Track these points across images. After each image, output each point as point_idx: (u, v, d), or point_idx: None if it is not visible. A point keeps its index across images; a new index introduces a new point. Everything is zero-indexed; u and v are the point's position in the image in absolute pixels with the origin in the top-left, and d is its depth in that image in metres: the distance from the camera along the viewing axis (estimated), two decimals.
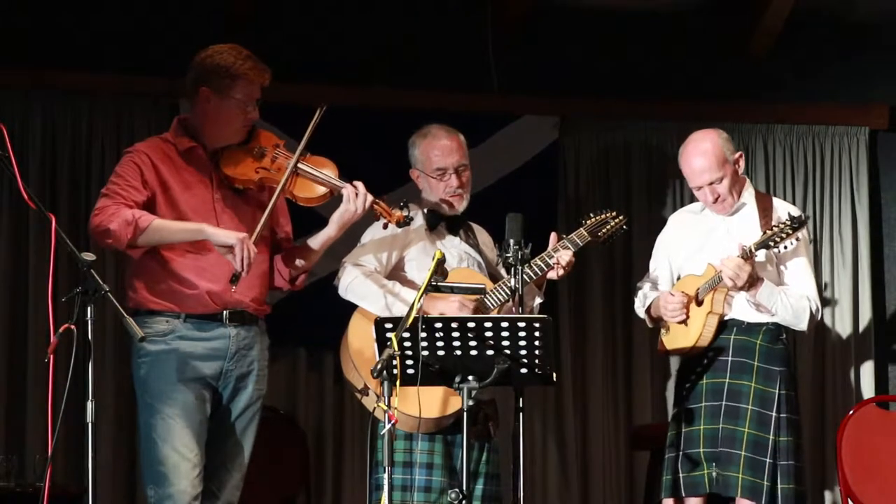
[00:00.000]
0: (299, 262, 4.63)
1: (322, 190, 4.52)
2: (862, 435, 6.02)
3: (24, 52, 6.34)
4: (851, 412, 6.10)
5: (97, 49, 6.38)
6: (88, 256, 3.82)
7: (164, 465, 4.32)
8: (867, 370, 6.80)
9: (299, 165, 4.49)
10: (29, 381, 6.18)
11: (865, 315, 6.84)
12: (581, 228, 4.89)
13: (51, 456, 3.76)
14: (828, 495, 6.68)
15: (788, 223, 4.78)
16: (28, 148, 6.23)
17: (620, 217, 5.00)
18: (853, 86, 6.97)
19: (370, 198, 4.52)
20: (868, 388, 6.75)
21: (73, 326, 3.71)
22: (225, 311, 4.43)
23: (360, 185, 4.53)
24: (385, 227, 4.62)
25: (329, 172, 4.53)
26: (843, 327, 6.82)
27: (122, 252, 4.43)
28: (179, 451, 4.33)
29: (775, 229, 4.79)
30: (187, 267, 4.38)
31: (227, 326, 4.44)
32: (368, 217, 5.02)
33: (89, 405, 3.72)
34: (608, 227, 4.95)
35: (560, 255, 4.75)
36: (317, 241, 4.60)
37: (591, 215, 4.96)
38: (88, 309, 3.74)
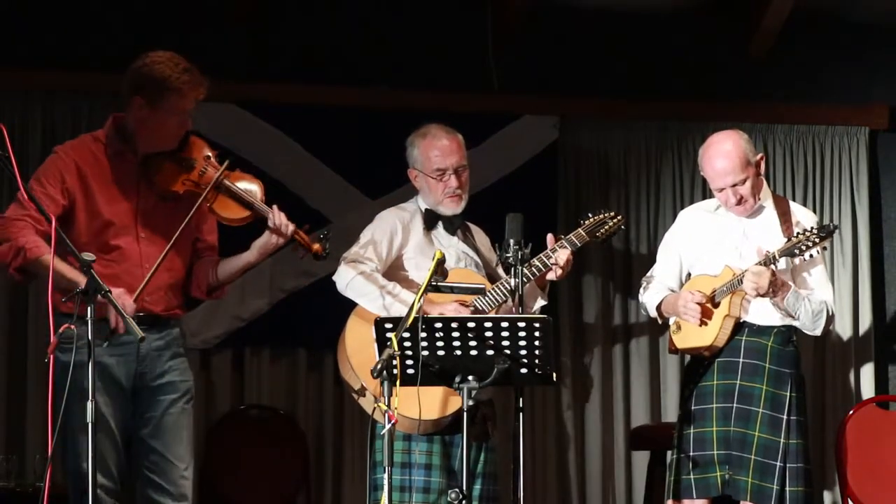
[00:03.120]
0: (218, 276, 4.51)
1: (244, 213, 4.42)
2: (862, 435, 6.03)
3: (24, 52, 6.33)
4: (851, 412, 6.11)
5: (97, 49, 6.37)
6: (88, 256, 3.82)
7: (79, 476, 4.16)
8: (867, 370, 6.80)
9: (224, 182, 4.39)
10: (29, 381, 6.18)
11: (865, 315, 6.84)
12: (579, 229, 4.86)
13: (51, 456, 3.75)
14: (827, 495, 6.68)
15: (816, 232, 4.66)
16: (28, 148, 6.23)
17: (619, 217, 4.96)
18: (853, 86, 6.97)
19: (291, 227, 4.43)
20: (868, 389, 6.75)
21: (73, 326, 3.71)
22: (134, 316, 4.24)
23: (280, 214, 4.43)
24: (302, 257, 4.54)
25: (255, 192, 4.43)
26: (843, 327, 6.82)
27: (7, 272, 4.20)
28: (92, 469, 4.09)
29: (801, 237, 4.68)
30: (100, 274, 4.06)
31: None
32: (369, 214, 5.02)
33: (89, 405, 3.72)
34: (606, 227, 4.92)
35: (558, 255, 4.74)
36: (237, 263, 4.49)
37: (590, 215, 4.92)
38: (88, 309, 3.73)
